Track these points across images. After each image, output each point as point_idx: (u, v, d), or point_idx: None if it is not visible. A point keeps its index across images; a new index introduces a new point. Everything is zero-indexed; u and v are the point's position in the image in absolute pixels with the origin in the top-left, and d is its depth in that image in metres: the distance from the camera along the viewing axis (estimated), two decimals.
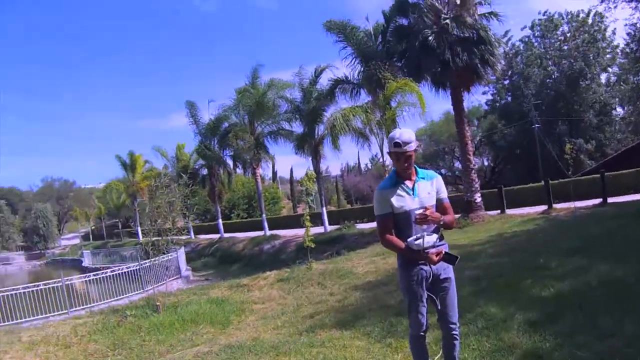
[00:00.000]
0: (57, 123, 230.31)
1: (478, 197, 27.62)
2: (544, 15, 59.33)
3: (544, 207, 25.41)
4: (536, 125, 52.37)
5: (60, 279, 22.22)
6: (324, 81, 36.17)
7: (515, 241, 16.89)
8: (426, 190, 5.26)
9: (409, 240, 5.05)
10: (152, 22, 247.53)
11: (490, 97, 63.36)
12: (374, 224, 33.98)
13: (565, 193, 26.82)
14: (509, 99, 61.46)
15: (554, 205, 24.93)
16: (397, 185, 5.21)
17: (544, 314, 7.91)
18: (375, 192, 5.39)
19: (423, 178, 5.30)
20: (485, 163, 71.50)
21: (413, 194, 5.19)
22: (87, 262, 57.04)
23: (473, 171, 28.62)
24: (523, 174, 55.66)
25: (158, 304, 14.44)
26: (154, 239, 16.99)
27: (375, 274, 15.23)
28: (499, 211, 27.31)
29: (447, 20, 26.78)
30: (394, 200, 5.15)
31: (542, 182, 29.57)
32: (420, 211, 4.97)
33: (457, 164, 70.58)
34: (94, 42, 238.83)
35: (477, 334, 7.69)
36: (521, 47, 60.09)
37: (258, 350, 9.02)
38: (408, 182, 5.22)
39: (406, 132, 5.17)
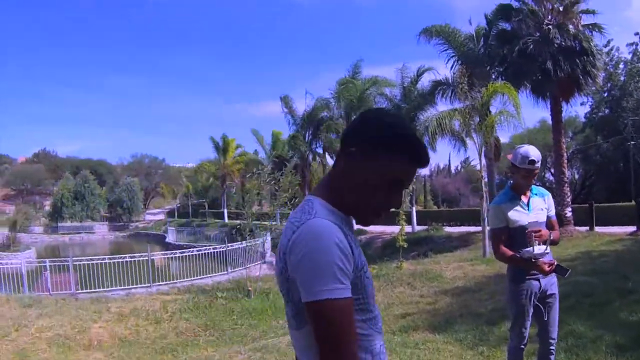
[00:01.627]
0: (151, 101, 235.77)
1: (569, 212, 27.20)
2: None
3: (632, 228, 24.94)
4: (631, 142, 50.79)
5: (146, 253, 22.85)
6: (425, 81, 36.41)
7: (603, 261, 16.69)
8: (539, 207, 5.50)
9: (521, 251, 5.28)
10: (252, 10, 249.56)
11: (588, 108, 61.28)
12: (462, 229, 34.29)
13: None
14: (607, 111, 59.54)
15: None
16: (513, 200, 5.45)
17: (631, 339, 7.87)
18: (490, 207, 5.67)
19: (536, 194, 5.56)
20: (576, 176, 69.93)
21: (528, 209, 5.42)
22: (170, 238, 57.88)
23: (566, 184, 28.27)
24: (613, 191, 54.06)
25: (250, 289, 14.80)
26: (252, 222, 17.43)
27: (464, 279, 15.30)
28: (587, 227, 26.81)
29: (550, 27, 26.55)
30: (511, 214, 5.38)
31: (633, 202, 29.02)
32: (529, 231, 5.19)
33: (548, 175, 69.26)
34: (193, 26, 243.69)
35: (567, 351, 7.76)
36: (627, 58, 57.19)
37: None
38: (523, 198, 5.47)
39: (536, 150, 5.42)
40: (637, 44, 55.64)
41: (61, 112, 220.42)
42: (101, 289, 20.41)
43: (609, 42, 53.75)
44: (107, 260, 22.55)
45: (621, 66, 56.58)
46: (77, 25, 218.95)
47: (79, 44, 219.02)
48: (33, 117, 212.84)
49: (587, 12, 27.31)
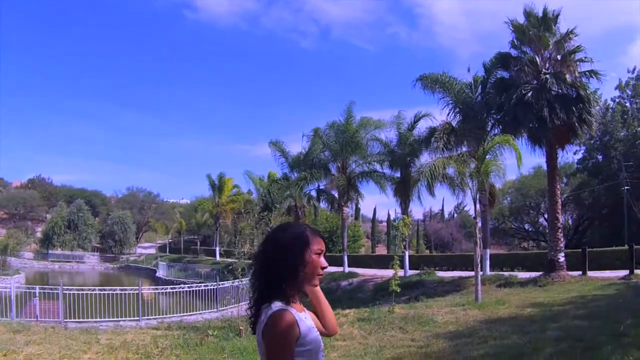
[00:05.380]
0: (149, 135, 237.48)
1: (562, 257, 27.05)
2: (632, 73, 57.60)
3: (625, 272, 24.99)
4: (626, 187, 51.13)
5: (136, 287, 22.81)
6: (422, 127, 36.29)
7: (595, 305, 16.79)
8: None
9: None
10: (256, 53, 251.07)
11: (581, 155, 62.09)
12: (455, 273, 34.14)
13: None
14: (600, 158, 60.29)
15: (636, 271, 24.48)
16: None
17: None
18: None
19: None
20: (569, 221, 70.25)
21: None
22: (161, 273, 58.06)
23: (559, 230, 28.16)
24: (607, 236, 54.47)
25: (241, 328, 14.70)
26: (245, 261, 17.40)
27: (456, 324, 15.25)
28: (580, 272, 26.79)
29: (547, 76, 26.74)
30: None
31: (626, 246, 29.01)
32: None
33: (541, 220, 69.70)
34: (195, 65, 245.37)
35: None
36: (612, 106, 58.52)
37: None
38: None
39: None
40: (619, 96, 58.40)
41: (59, 140, 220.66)
42: (90, 319, 20.38)
43: (596, 90, 54.61)
44: (97, 291, 22.58)
45: (609, 114, 57.65)
46: (80, 57, 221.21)
47: (83, 75, 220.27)
48: (31, 142, 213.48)
49: (584, 60, 27.48)
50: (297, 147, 49.38)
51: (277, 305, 2.91)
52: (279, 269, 2.97)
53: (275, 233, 3.15)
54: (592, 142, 58.35)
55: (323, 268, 3.13)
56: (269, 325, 2.83)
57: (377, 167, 41.31)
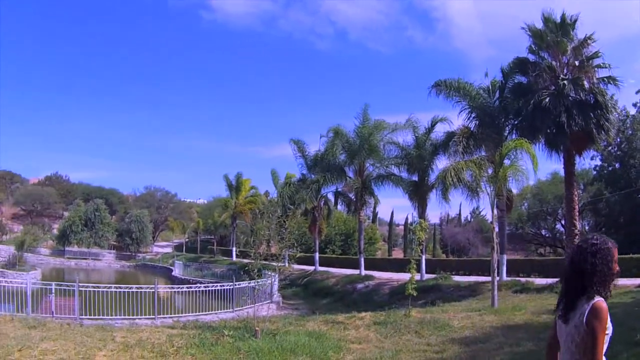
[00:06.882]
0: (168, 137, 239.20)
1: None
2: None
3: None
4: None
5: (153, 285, 22.87)
6: (439, 131, 36.54)
7: (611, 312, 16.56)
8: None
9: None
10: (270, 56, 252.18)
11: (598, 162, 61.75)
12: (471, 278, 34.00)
13: None
14: (617, 165, 59.95)
15: None
16: None
17: None
18: None
19: None
20: (586, 228, 69.96)
21: None
22: (177, 272, 58.13)
23: (577, 236, 27.76)
24: (624, 243, 54.15)
25: (257, 329, 14.71)
26: (261, 262, 17.35)
27: (472, 329, 15.25)
28: None
29: (565, 82, 26.65)
30: None
31: None
32: None
33: (558, 226, 69.26)
34: (216, 69, 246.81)
35: None
36: (633, 113, 57.94)
37: None
38: None
39: None
40: None
41: (76, 138, 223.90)
42: (105, 317, 20.47)
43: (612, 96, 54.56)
44: (112, 289, 22.64)
45: (628, 122, 57.09)
46: (97, 57, 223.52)
47: (103, 75, 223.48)
48: (47, 140, 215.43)
49: (602, 66, 27.41)
50: (313, 150, 48.99)
51: (598, 298, 4.07)
52: (603, 275, 4.12)
53: (593, 247, 4.17)
54: (610, 150, 58.03)
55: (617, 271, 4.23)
56: (595, 312, 4.04)
57: (395, 170, 41.02)
